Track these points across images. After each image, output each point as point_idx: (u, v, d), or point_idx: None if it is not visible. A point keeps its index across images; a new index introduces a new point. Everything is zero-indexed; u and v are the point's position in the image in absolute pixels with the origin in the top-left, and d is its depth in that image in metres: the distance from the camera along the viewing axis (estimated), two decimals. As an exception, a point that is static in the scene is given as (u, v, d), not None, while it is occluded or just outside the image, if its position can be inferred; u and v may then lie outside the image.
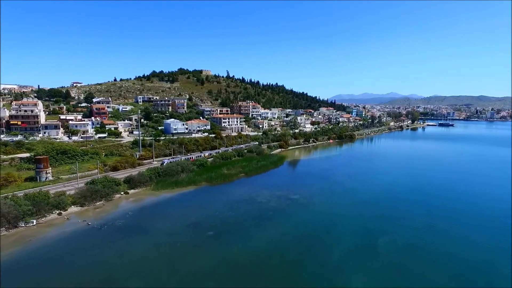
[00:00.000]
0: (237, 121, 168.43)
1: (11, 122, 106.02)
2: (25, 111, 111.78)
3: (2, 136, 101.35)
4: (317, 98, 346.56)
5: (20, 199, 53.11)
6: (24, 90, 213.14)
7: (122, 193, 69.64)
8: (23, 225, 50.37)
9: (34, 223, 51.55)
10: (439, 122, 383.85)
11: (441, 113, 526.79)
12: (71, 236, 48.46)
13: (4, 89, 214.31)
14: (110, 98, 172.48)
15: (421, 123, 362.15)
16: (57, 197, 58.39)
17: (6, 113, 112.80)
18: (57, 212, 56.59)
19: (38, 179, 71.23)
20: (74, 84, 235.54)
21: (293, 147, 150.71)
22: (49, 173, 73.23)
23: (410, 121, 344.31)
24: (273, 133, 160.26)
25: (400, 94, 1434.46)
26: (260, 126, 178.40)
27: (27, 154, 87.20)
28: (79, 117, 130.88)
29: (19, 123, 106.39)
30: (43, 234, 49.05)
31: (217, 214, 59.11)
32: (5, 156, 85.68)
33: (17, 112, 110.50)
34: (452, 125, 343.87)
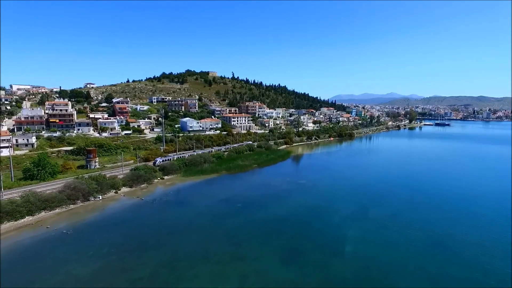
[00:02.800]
0: (245, 120, 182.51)
1: (50, 120, 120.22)
2: (60, 110, 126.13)
3: (43, 132, 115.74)
4: (318, 98, 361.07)
5: (87, 180, 67.28)
6: (42, 90, 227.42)
7: (159, 178, 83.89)
8: (93, 199, 64.52)
9: (100, 198, 65.68)
10: (436, 122, 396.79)
11: (439, 113, 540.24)
12: (132, 207, 62.68)
13: (18, 89, 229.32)
14: (128, 99, 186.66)
15: (418, 122, 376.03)
16: (112, 180, 72.61)
17: (42, 112, 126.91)
18: (114, 191, 70.76)
19: (88, 166, 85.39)
20: (89, 85, 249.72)
21: (297, 144, 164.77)
22: (96, 162, 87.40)
23: (407, 121, 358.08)
24: (278, 131, 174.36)
25: (400, 95, 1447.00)
26: (266, 124, 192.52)
27: (69, 148, 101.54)
28: (106, 115, 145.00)
29: (57, 121, 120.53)
30: (110, 205, 63.32)
31: (241, 193, 73.38)
32: (51, 149, 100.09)
33: (53, 111, 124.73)
34: (448, 125, 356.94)
